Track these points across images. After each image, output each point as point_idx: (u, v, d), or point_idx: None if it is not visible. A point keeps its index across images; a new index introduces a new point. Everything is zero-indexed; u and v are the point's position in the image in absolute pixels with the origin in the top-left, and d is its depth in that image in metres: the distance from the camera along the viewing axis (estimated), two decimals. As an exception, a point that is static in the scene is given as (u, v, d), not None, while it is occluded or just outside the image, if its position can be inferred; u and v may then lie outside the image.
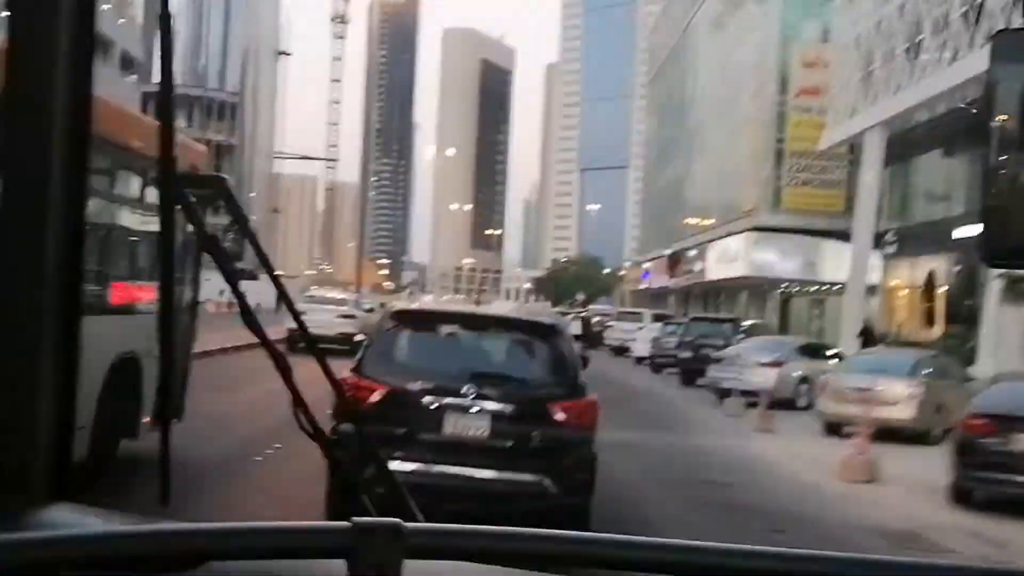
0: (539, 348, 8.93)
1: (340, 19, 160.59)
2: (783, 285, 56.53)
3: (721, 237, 61.27)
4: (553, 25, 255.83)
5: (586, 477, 8.34)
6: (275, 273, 1.70)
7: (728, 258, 58.59)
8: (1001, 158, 1.52)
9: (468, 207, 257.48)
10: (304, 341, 1.62)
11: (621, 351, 44.63)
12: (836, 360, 24.57)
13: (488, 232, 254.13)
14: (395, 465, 7.11)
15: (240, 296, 1.49)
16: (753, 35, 60.17)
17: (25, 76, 1.16)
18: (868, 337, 36.25)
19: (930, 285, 39.63)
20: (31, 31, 1.16)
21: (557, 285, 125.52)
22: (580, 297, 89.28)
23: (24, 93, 1.16)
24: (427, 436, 8.14)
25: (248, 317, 1.47)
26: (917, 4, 38.37)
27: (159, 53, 1.28)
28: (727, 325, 33.39)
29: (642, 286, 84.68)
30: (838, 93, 47.90)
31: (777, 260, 54.40)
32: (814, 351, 26.28)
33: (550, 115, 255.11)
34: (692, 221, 69.73)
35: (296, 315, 1.69)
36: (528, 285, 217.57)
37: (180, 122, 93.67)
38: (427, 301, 28.86)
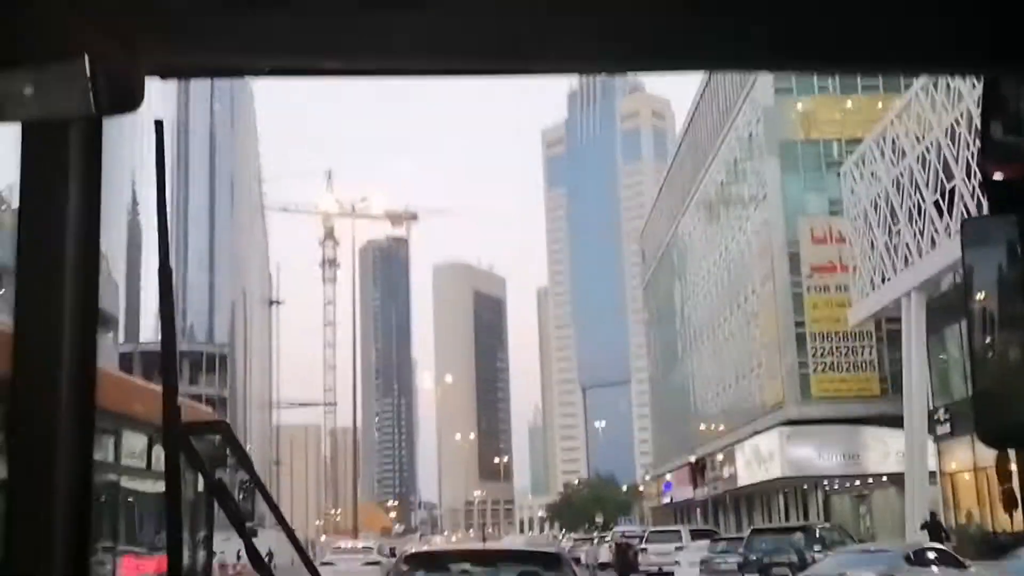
0: (546, 575, 9.38)
1: (330, 263, 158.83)
2: (823, 482, 50.47)
3: (748, 437, 55.54)
4: (540, 250, 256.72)
5: None
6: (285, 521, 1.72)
7: (760, 459, 52.72)
8: (985, 341, 1.54)
9: (472, 436, 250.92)
10: None
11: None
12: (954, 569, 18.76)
13: (496, 461, 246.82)
14: None
15: (250, 542, 1.51)
16: (753, 219, 56.32)
17: (32, 351, 1.17)
18: (935, 529, 30.96)
19: (1004, 462, 33.84)
20: (38, 309, 1.17)
21: (571, 509, 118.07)
22: (599, 520, 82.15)
23: (31, 367, 1.17)
24: None
25: (259, 563, 1.51)
26: (941, 151, 34.30)
27: (159, 308, 1.31)
28: (797, 535, 27.29)
29: (664, 500, 77.79)
30: (860, 263, 43.43)
31: (815, 455, 48.60)
32: (920, 558, 20.35)
33: (546, 338, 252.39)
34: (712, 425, 64.08)
35: (309, 562, 1.74)
36: (541, 513, 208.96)
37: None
38: (437, 542, 31.28)
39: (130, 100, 1.17)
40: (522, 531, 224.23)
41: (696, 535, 39.57)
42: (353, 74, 1.27)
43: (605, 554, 37.88)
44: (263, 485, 1.69)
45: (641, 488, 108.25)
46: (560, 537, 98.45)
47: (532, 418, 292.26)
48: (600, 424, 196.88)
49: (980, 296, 1.54)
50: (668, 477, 75.65)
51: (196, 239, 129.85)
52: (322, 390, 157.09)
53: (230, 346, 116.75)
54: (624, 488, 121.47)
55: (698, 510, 70.63)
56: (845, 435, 47.81)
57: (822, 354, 50.46)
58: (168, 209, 1.37)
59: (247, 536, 1.53)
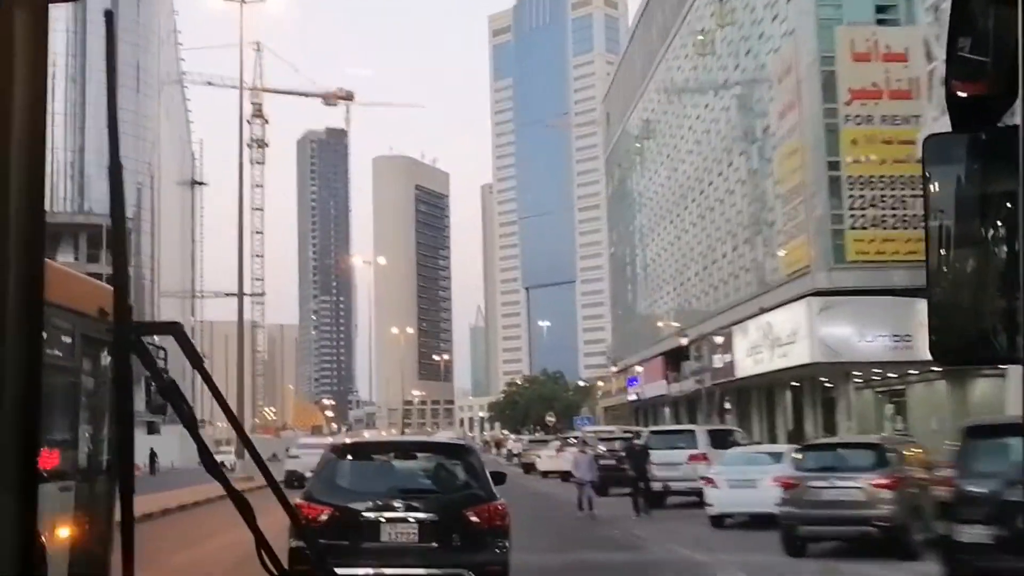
0: (454, 465, 10.37)
1: (259, 144, 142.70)
2: (853, 373, 37.80)
3: (751, 316, 42.62)
4: (485, 145, 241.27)
5: (500, 567, 9.53)
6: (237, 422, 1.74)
7: (774, 341, 39.76)
8: (939, 260, 1.52)
9: (412, 334, 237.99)
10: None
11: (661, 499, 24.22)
12: None
13: (435, 360, 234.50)
14: (344, 572, 8.28)
15: (202, 443, 1.50)
16: (771, 32, 42.52)
17: None
18: None
19: None
20: None
21: (516, 408, 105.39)
22: (550, 419, 69.27)
23: None
24: (368, 545, 9.37)
25: (210, 463, 1.52)
26: None
27: (110, 206, 1.26)
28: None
29: (630, 398, 65.03)
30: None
31: (854, 335, 35.74)
32: None
33: (490, 236, 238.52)
34: (700, 303, 51.06)
35: (261, 463, 1.73)
36: (483, 414, 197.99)
37: (67, 256, 75.17)
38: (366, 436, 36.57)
39: None
40: (461, 431, 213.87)
41: (717, 436, 26.46)
42: None
43: (585, 468, 24.67)
44: (216, 387, 1.64)
45: (600, 384, 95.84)
46: (503, 439, 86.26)
47: (474, 319, 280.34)
48: (545, 323, 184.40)
49: (939, 211, 1.51)
50: (638, 370, 62.81)
51: (97, 108, 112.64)
52: (249, 280, 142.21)
53: (135, 224, 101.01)
54: (572, 386, 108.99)
55: (666, 410, 58.20)
56: (891, 309, 34.93)
57: (862, 205, 37.41)
58: (118, 102, 1.33)
59: (199, 438, 1.49)
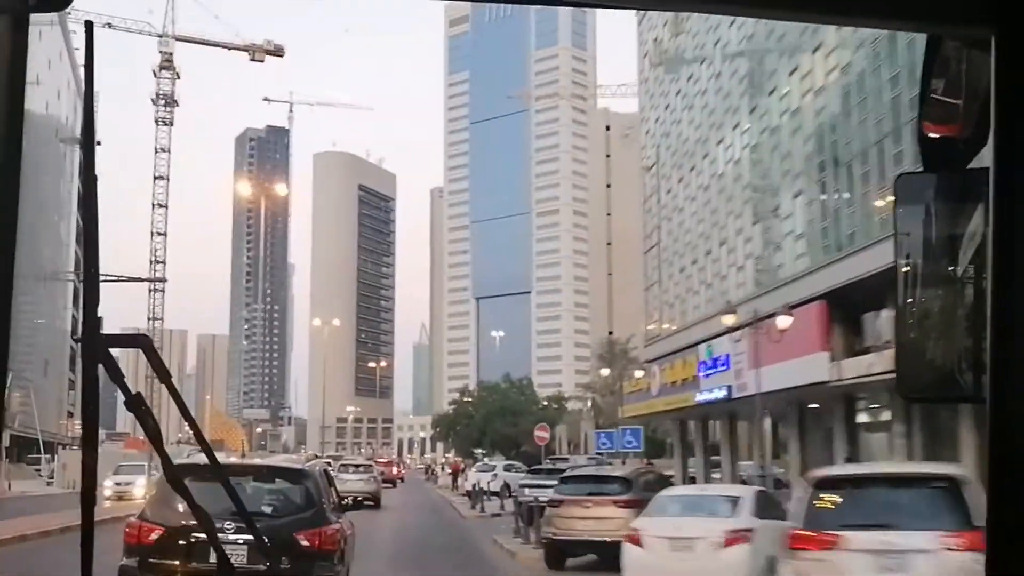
0: (291, 489, 10.16)
1: (167, 100, 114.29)
2: None
3: None
4: (436, 148, 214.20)
5: None
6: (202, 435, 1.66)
7: None
8: (908, 299, 1.51)
9: (351, 347, 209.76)
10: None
11: None
12: None
13: (374, 375, 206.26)
14: None
15: (167, 458, 1.48)
16: None
17: None
18: None
19: None
20: None
21: (470, 424, 77.72)
22: (542, 436, 41.73)
23: None
24: (197, 565, 9.06)
25: (175, 479, 1.52)
26: None
27: (83, 211, 1.21)
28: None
29: (703, 396, 36.27)
30: None
31: None
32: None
33: (438, 243, 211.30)
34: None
35: (181, 486, 1.67)
36: (424, 434, 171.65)
37: None
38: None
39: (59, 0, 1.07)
40: (400, 453, 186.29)
41: None
42: None
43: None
44: (184, 404, 1.60)
45: (574, 399, 68.98)
46: (458, 465, 59.42)
47: (418, 337, 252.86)
48: (498, 333, 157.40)
49: (908, 251, 1.49)
50: (717, 348, 34.01)
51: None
52: (148, 262, 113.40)
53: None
54: (542, 397, 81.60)
55: (759, 423, 31.24)
56: None
57: None
58: (94, 114, 1.23)
59: (163, 452, 1.46)
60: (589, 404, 61.07)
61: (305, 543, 9.18)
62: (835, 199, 30.95)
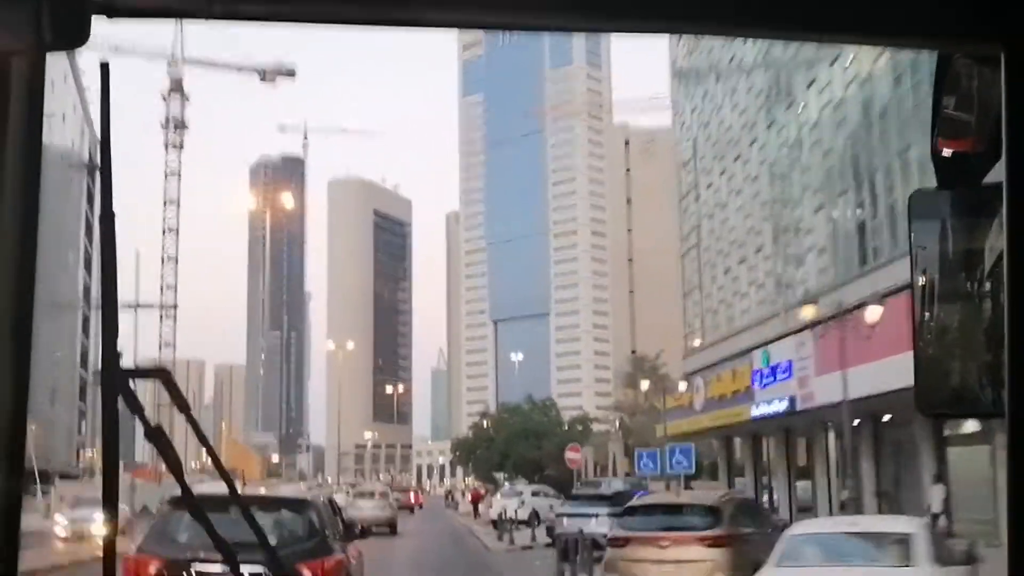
0: (292, 518, 9.89)
1: (176, 125, 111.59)
2: None
3: None
4: (452, 173, 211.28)
5: None
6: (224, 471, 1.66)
7: None
8: (926, 313, 1.51)
9: (368, 373, 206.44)
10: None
11: None
12: None
13: (392, 401, 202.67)
14: None
15: (187, 488, 1.50)
16: None
17: None
18: None
19: None
20: None
21: (491, 447, 73.83)
22: (573, 458, 38.09)
23: None
24: None
25: (196, 509, 1.53)
26: None
27: (102, 251, 1.24)
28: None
29: (761, 410, 31.98)
30: None
31: None
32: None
33: (455, 267, 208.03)
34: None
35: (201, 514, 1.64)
36: (442, 460, 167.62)
37: None
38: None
39: (75, 37, 1.09)
40: (419, 479, 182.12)
41: None
42: (305, 20, 1.14)
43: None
44: (204, 435, 1.63)
45: (595, 422, 65.06)
46: (480, 492, 55.86)
47: (436, 361, 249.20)
48: (517, 356, 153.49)
49: (925, 268, 1.51)
50: (781, 353, 29.41)
51: None
52: (159, 288, 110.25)
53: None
54: (565, 419, 77.64)
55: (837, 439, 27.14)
56: None
57: None
58: (111, 152, 1.27)
59: (184, 483, 1.48)
60: (617, 424, 57.27)
61: (307, 574, 8.86)
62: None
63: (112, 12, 1.12)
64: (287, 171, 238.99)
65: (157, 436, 1.38)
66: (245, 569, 5.31)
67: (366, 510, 35.49)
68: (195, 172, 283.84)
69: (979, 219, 1.43)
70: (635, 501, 16.72)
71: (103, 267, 1.23)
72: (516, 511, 32.89)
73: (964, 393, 1.46)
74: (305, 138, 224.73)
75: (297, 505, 10.11)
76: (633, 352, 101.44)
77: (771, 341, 30.38)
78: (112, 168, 1.26)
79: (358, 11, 1.11)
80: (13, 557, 1.06)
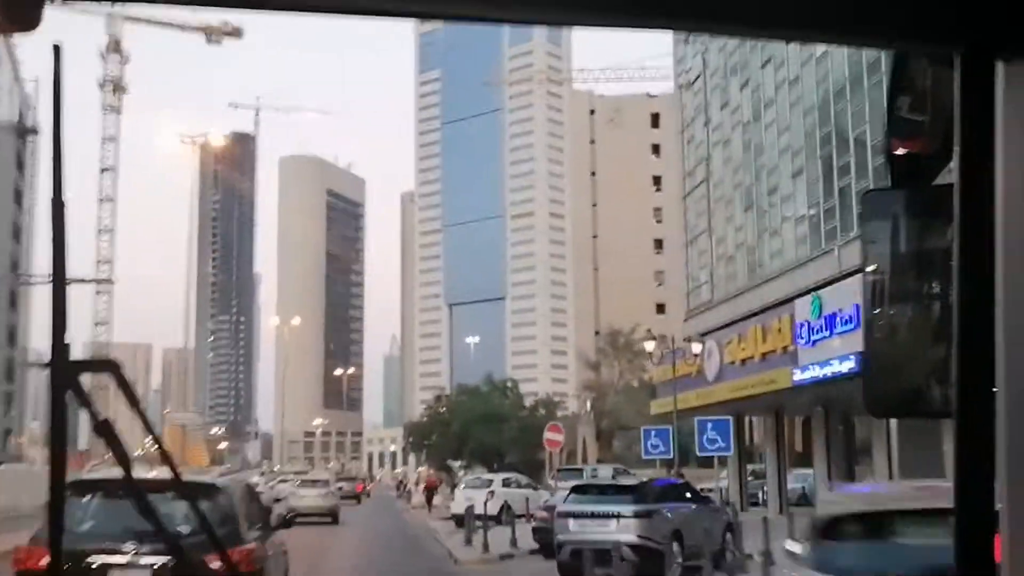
0: (201, 505, 7.91)
1: (115, 86, 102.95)
2: None
3: None
4: (407, 153, 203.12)
5: None
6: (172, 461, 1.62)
7: None
8: (876, 314, 1.51)
9: (319, 357, 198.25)
10: None
11: None
12: None
13: (343, 386, 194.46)
14: None
15: (134, 483, 1.48)
16: None
17: None
18: None
19: None
20: None
21: (446, 433, 66.85)
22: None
23: None
24: None
25: (144, 504, 1.52)
26: None
27: (52, 238, 1.18)
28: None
29: (803, 372, 25.03)
30: None
31: None
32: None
33: (409, 249, 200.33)
34: None
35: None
36: (394, 447, 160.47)
37: None
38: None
39: (27, 21, 1.07)
40: (370, 468, 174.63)
41: None
42: (267, 7, 1.09)
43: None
44: (150, 425, 1.61)
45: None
46: (434, 479, 49.32)
47: (388, 348, 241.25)
48: (472, 340, 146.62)
49: (876, 266, 1.50)
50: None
51: None
52: (94, 262, 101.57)
53: None
54: (530, 401, 70.83)
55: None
56: None
57: None
58: (62, 138, 1.23)
59: (130, 477, 1.44)
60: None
61: (215, 565, 4.90)
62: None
63: None
64: (238, 148, 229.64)
65: (105, 430, 1.33)
66: (148, 559, 6.85)
67: (307, 498, 35.48)
68: (138, 145, 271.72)
69: (930, 219, 1.42)
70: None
71: (54, 255, 1.16)
72: (486, 504, 26.05)
73: (914, 393, 1.44)
74: (257, 114, 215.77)
75: (206, 490, 8.89)
76: (597, 333, 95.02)
77: (824, 284, 23.76)
78: (62, 155, 1.17)
79: (370, 3, 1.05)
80: None
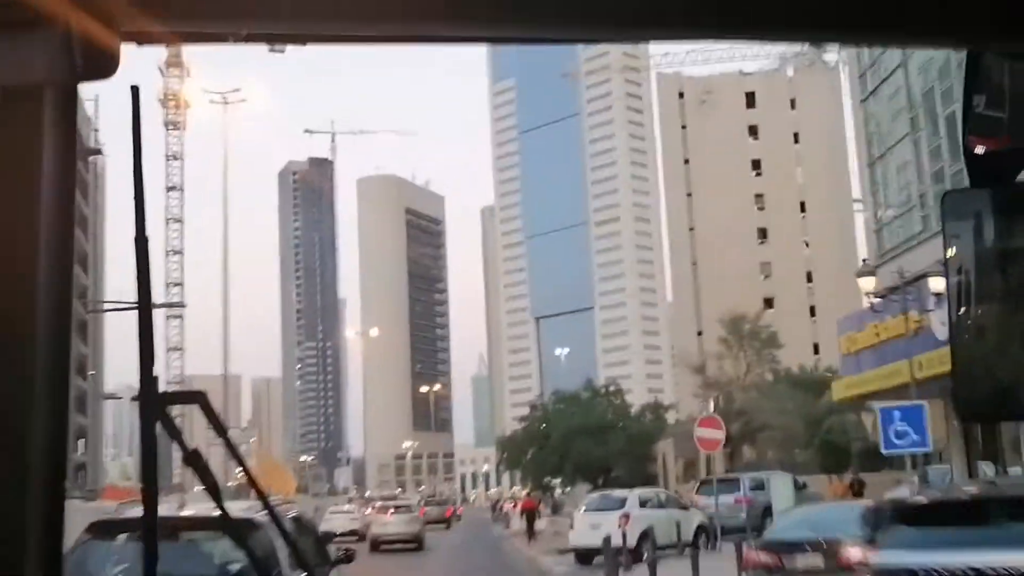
0: (241, 544, 8.52)
1: (176, 102, 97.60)
2: None
3: None
4: (485, 169, 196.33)
5: None
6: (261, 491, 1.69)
7: None
8: (963, 316, 1.47)
9: (406, 380, 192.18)
10: None
11: None
12: None
13: (432, 408, 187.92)
14: None
15: (224, 510, 1.47)
16: None
17: (5, 323, 1.07)
18: None
19: None
20: (13, 276, 1.07)
21: (544, 446, 58.51)
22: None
23: (5, 339, 1.07)
24: None
25: (234, 532, 1.59)
26: None
27: (137, 276, 1.20)
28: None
29: None
30: None
31: None
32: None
33: (492, 264, 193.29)
34: None
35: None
36: (487, 467, 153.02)
37: None
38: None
39: (106, 66, 1.09)
40: (463, 489, 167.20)
41: None
42: (332, 41, 1.16)
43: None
44: (241, 456, 1.60)
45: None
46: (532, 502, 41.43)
47: (476, 367, 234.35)
48: (563, 351, 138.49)
49: (960, 268, 1.46)
50: None
51: None
52: (163, 285, 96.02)
53: None
54: (634, 407, 62.14)
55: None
56: None
57: None
58: (143, 177, 1.26)
59: (223, 507, 1.46)
60: (712, 407, 42.13)
61: None
62: None
63: (142, 39, 1.10)
64: (316, 173, 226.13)
65: (195, 460, 1.35)
66: None
67: (390, 525, 35.18)
68: (219, 177, 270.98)
69: (1013, 217, 1.39)
70: None
71: (139, 291, 1.19)
72: (624, 533, 17.87)
73: (1005, 395, 1.40)
74: (333, 140, 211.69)
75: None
76: (699, 333, 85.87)
77: None
78: (144, 195, 1.21)
79: (391, 28, 1.09)
80: (58, 561, 1.05)
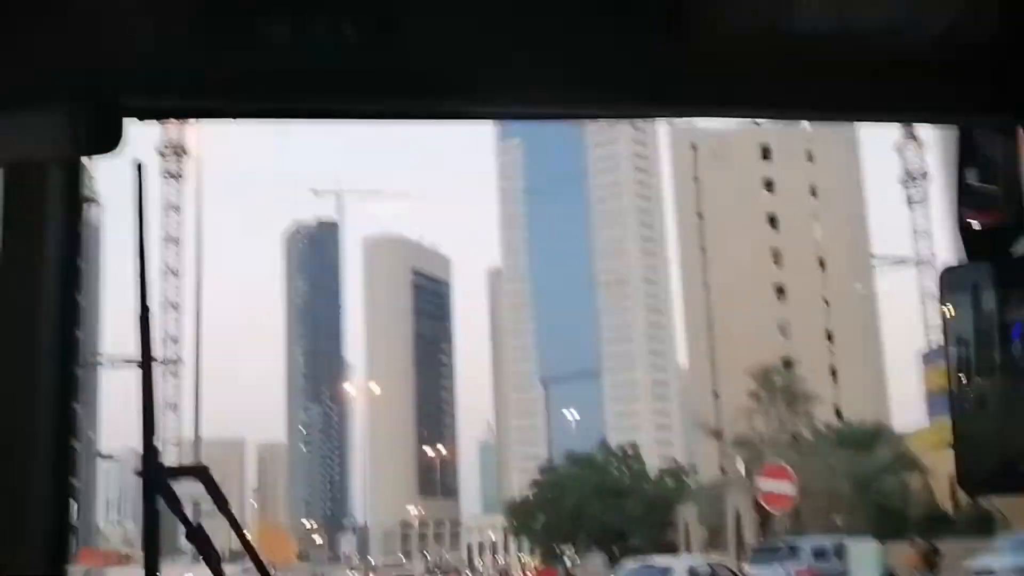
0: None
1: (175, 150, 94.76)
2: None
3: None
4: (490, 230, 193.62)
5: None
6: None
7: None
8: (963, 389, 1.47)
9: (411, 444, 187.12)
10: None
11: None
12: None
13: (439, 473, 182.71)
14: None
15: None
16: None
17: (11, 394, 1.08)
18: None
19: None
20: (17, 347, 1.08)
21: (557, 510, 54.11)
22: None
23: (9, 413, 1.08)
24: None
25: None
26: None
27: (140, 351, 1.19)
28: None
29: None
30: None
31: None
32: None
33: (498, 327, 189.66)
34: None
35: None
36: (494, 536, 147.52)
37: None
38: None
39: (109, 142, 1.09)
40: (470, 558, 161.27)
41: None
42: (328, 117, 1.18)
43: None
44: (240, 528, 1.58)
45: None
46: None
47: (483, 434, 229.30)
48: (572, 414, 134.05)
49: (958, 340, 1.45)
50: None
51: None
52: (160, 340, 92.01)
53: None
54: (653, 471, 57.89)
55: None
56: None
57: None
58: (145, 251, 1.25)
59: None
60: (743, 469, 37.99)
61: None
62: None
63: (144, 115, 1.10)
64: (322, 236, 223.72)
65: (197, 535, 1.31)
66: None
67: None
68: (223, 232, 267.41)
69: (1010, 290, 1.38)
70: None
71: (141, 363, 1.18)
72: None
73: (1006, 467, 1.38)
74: (337, 199, 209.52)
75: None
76: (716, 396, 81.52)
77: None
78: (146, 269, 1.19)
79: (400, 105, 1.11)
80: (64, 552, 1.04)
